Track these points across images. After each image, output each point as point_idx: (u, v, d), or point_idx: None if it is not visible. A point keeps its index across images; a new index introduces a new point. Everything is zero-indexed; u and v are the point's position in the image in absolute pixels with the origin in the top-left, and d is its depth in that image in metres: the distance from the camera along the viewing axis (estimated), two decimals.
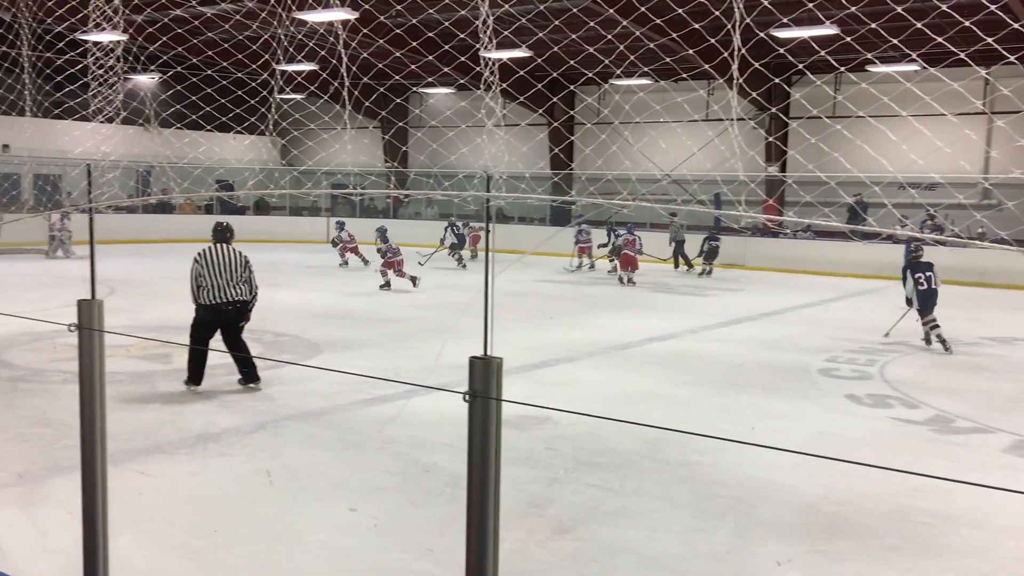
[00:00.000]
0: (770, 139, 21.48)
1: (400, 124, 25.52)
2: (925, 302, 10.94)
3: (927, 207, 19.80)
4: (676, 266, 21.73)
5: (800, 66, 8.94)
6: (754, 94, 21.09)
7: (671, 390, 8.60)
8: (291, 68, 14.03)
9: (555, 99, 21.34)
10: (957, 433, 7.43)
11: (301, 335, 11.09)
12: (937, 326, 10.91)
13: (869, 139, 14.34)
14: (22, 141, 24.02)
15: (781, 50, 8.69)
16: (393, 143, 28.99)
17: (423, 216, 30.63)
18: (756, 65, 7.71)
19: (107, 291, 14.28)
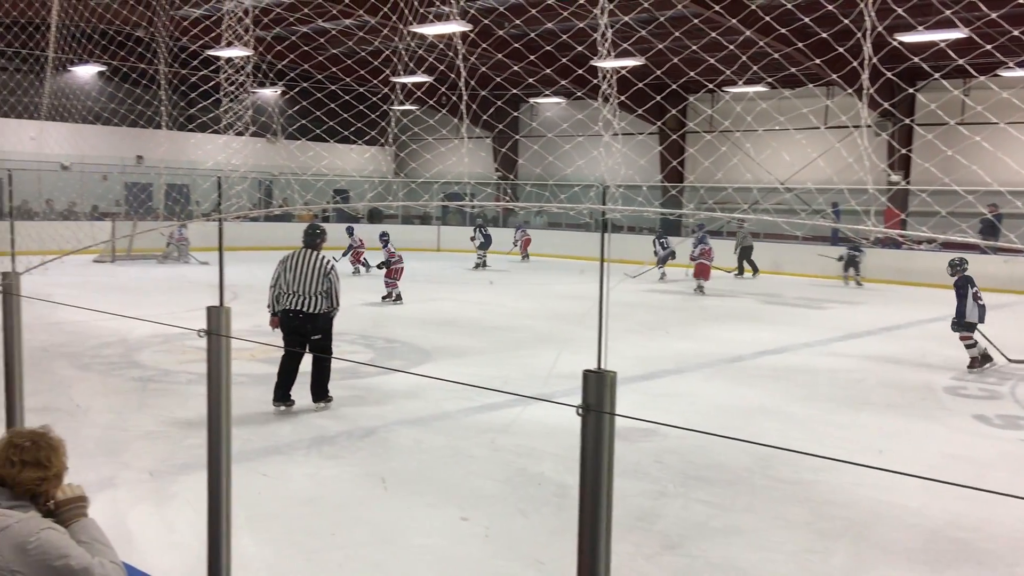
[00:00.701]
0: (901, 150, 20.63)
1: (518, 136, 25.79)
2: (983, 315, 10.39)
3: None
4: (740, 272, 21.87)
5: (937, 76, 8.52)
6: (887, 104, 20.37)
7: (784, 405, 8.36)
8: (408, 80, 14.40)
9: (674, 111, 21.12)
10: None
11: (412, 342, 11.29)
12: (975, 343, 10.40)
13: (1004, 147, 13.62)
14: (157, 153, 25.48)
15: (916, 59, 8.31)
16: (508, 155, 29.33)
17: (532, 225, 30.79)
18: (889, 75, 7.37)
19: (231, 296, 14.90)
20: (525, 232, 25.75)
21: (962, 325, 10.36)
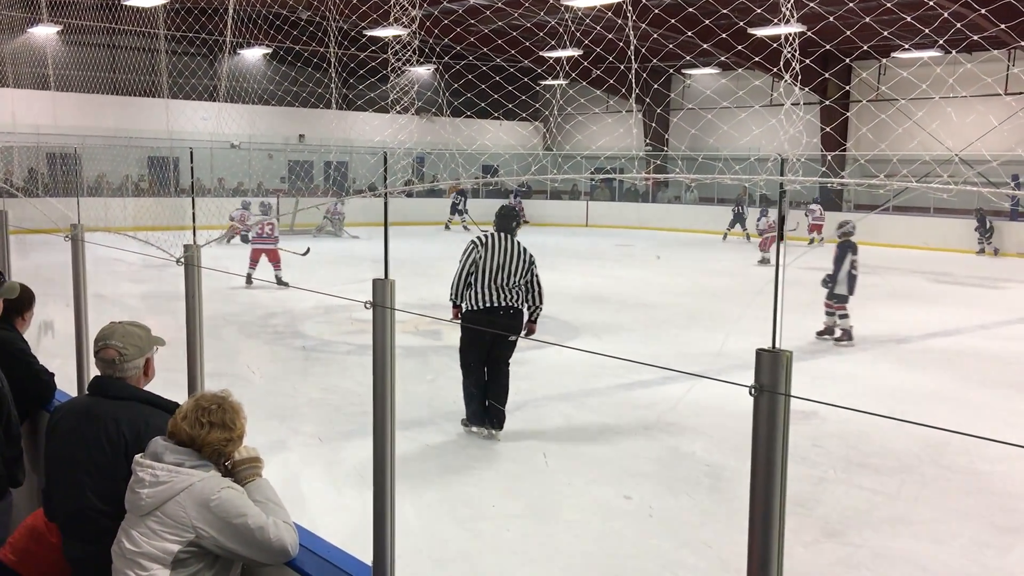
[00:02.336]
0: None
1: (691, 107, 25.37)
2: (853, 287, 9.94)
3: None
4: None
5: None
6: None
7: (957, 391, 7.86)
8: (572, 53, 14.32)
9: (861, 78, 20.03)
10: None
11: (560, 317, 11.31)
12: (847, 315, 9.92)
13: None
14: (322, 132, 26.57)
15: None
16: (662, 128, 28.87)
17: (683, 200, 30.21)
18: None
19: None
20: (518, 200, 28.84)
21: (834, 294, 10.02)
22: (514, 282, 6.24)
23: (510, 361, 6.42)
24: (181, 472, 2.49)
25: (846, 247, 10.09)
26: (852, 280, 9.99)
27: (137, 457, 2.58)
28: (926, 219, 23.38)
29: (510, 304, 6.22)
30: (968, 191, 1.58)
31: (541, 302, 6.43)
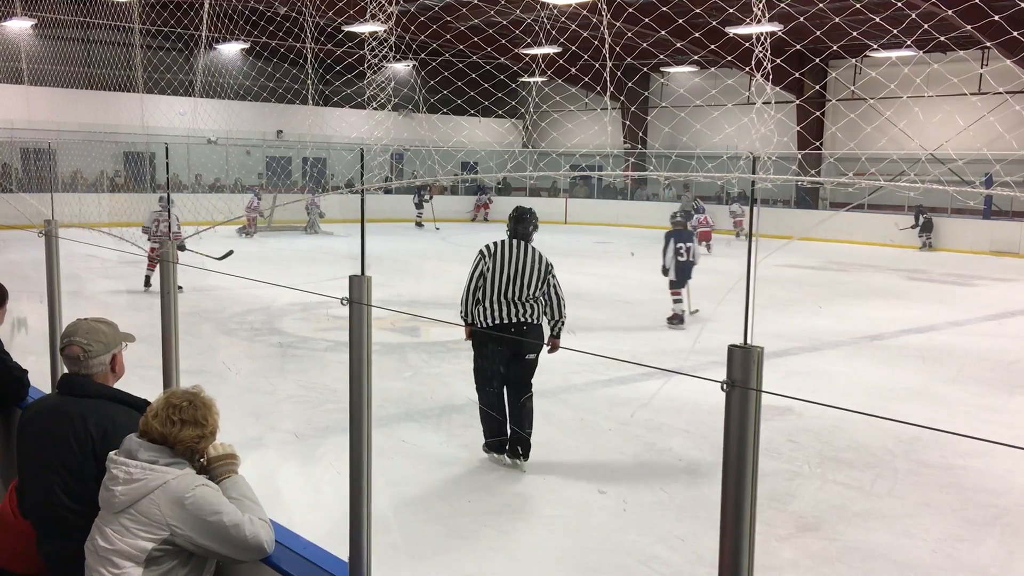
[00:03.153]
0: None
1: (665, 104, 25.43)
2: (681, 273, 10.49)
3: None
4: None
5: None
6: None
7: (931, 386, 7.96)
8: (548, 50, 14.31)
9: (834, 76, 20.20)
10: None
11: None
12: (680, 300, 10.47)
13: None
14: (299, 127, 26.47)
15: None
16: (639, 126, 28.91)
17: (661, 197, 30.30)
18: None
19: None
20: (484, 198, 29.76)
21: (666, 274, 10.63)
22: (528, 295, 5.57)
23: (531, 380, 5.70)
24: (155, 470, 2.48)
25: (669, 235, 10.73)
26: (680, 266, 10.56)
27: (111, 454, 2.56)
28: (898, 217, 23.66)
29: (523, 319, 5.55)
30: (937, 189, 1.61)
31: (563, 314, 5.76)
